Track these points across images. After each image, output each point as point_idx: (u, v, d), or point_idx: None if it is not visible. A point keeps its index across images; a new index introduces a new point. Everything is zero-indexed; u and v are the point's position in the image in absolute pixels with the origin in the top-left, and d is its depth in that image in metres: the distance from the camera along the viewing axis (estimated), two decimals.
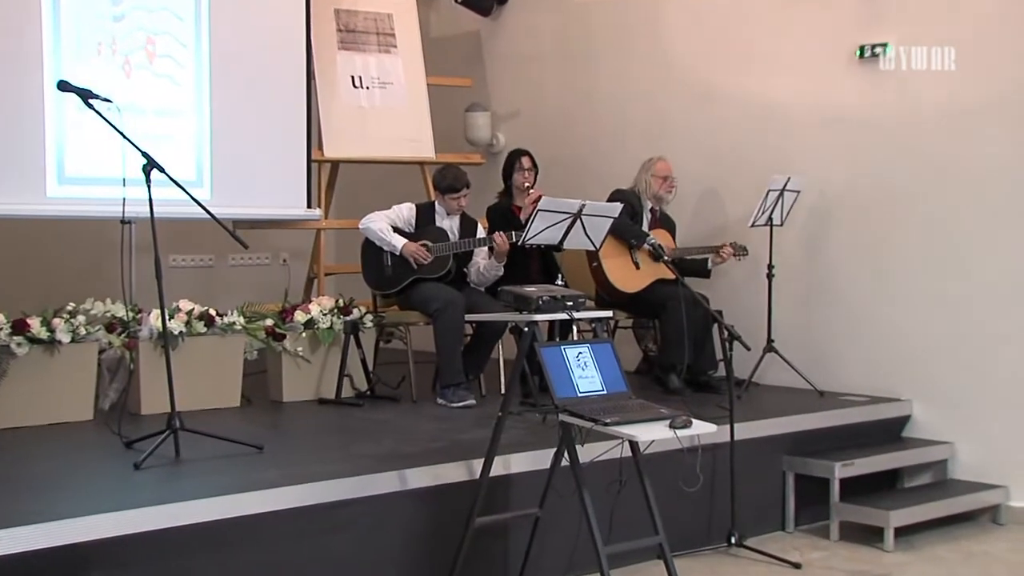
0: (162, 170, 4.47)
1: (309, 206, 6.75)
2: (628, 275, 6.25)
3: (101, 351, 5.38)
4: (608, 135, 7.48)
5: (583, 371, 4.01)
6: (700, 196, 6.97)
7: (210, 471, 4.31)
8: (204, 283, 8.00)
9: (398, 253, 5.94)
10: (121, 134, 4.47)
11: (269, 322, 5.83)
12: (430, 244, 5.95)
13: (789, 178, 6.24)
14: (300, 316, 5.88)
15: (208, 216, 4.77)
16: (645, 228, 6.33)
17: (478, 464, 4.31)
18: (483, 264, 6.04)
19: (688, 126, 7.04)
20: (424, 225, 6.05)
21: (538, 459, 4.52)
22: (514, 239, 5.75)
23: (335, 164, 7.19)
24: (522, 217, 6.11)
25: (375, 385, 6.01)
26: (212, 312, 5.61)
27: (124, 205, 4.67)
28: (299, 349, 5.87)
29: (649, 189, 6.38)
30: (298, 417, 5.61)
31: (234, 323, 5.67)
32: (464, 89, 7.95)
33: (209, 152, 6.36)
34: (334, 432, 5.29)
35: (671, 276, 5.89)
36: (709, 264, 6.43)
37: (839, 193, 6.41)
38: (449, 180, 5.99)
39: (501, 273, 6.00)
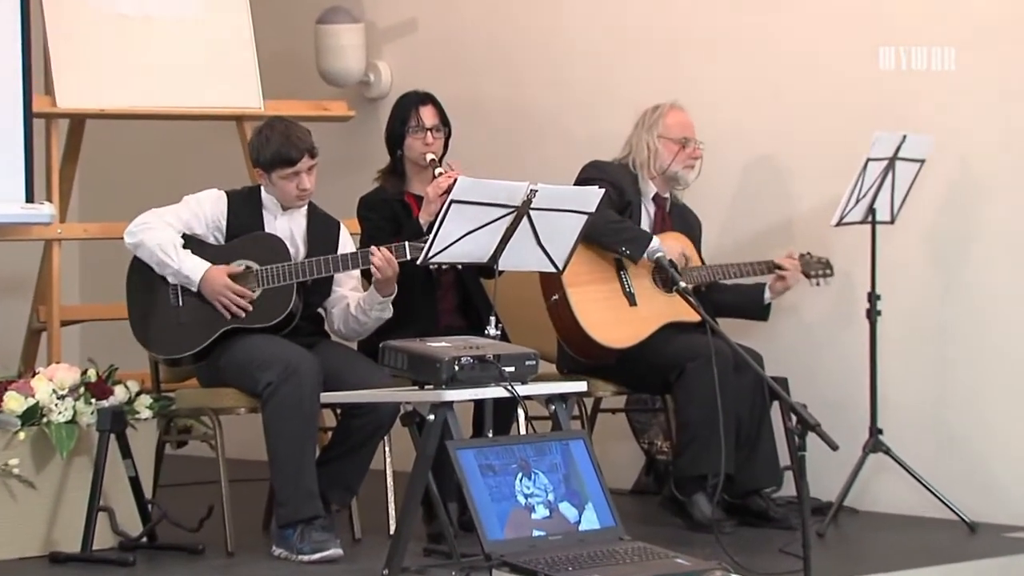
0: None
1: (30, 199, 6.70)
2: (616, 315, 6.31)
3: None
4: (577, 69, 7.54)
5: (535, 492, 4.06)
6: (745, 173, 7.06)
7: None
8: None
9: (195, 289, 5.92)
10: None
11: None
12: (255, 268, 5.95)
13: (905, 137, 6.33)
14: (14, 402, 5.86)
15: None
16: (645, 228, 6.41)
17: None
18: (356, 301, 6.05)
19: (722, 49, 7.12)
20: (243, 231, 6.06)
21: None
22: (408, 255, 5.77)
23: (78, 121, 7.19)
24: (423, 217, 6.13)
25: (157, 525, 5.98)
26: None
27: None
28: (13, 464, 5.83)
29: (655, 161, 6.47)
30: None
31: None
32: None
33: None
34: None
35: (694, 317, 5.88)
36: (766, 295, 6.52)
37: (999, 163, 6.49)
38: (276, 145, 5.97)
39: (389, 315, 6.01)
